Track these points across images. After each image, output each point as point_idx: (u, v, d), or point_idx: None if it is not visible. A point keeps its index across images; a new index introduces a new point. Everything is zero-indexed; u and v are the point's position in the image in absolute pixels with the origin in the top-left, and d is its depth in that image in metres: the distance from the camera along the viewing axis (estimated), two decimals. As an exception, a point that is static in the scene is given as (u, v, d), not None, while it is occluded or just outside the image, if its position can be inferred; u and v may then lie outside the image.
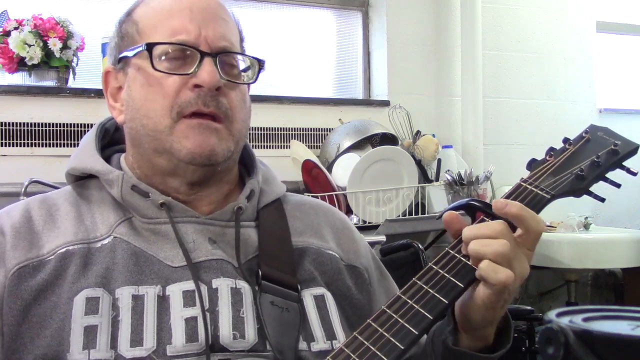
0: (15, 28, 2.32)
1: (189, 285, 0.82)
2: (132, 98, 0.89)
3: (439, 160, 2.80)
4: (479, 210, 0.80)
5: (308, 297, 0.88)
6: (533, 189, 0.82)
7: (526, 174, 0.86)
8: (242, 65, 0.92)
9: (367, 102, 3.09)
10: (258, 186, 0.96)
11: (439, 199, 2.71)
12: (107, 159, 0.94)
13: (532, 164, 0.87)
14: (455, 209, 0.81)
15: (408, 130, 2.87)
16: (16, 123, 2.37)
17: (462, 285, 0.74)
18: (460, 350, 0.80)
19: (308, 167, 2.48)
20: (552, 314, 0.52)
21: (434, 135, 2.91)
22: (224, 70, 0.88)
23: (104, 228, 0.87)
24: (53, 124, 2.41)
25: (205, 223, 0.89)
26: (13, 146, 2.36)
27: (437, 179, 2.78)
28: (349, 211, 2.44)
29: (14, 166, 2.34)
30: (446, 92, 3.20)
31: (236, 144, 0.90)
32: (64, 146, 2.42)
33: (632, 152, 0.87)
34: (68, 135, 2.43)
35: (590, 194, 0.85)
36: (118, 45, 0.93)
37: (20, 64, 2.33)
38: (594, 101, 3.56)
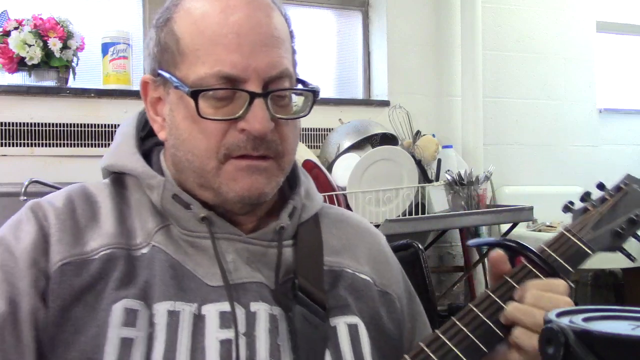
0: (15, 28, 2.33)
1: (226, 306, 0.79)
2: (176, 126, 0.83)
3: (439, 160, 2.80)
4: (524, 257, 0.80)
5: (342, 325, 0.85)
6: (576, 241, 0.84)
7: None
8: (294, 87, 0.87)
9: (367, 102, 3.09)
10: (300, 202, 0.92)
11: (439, 199, 2.70)
12: (147, 154, 0.89)
13: (573, 211, 0.89)
14: (498, 245, 0.81)
15: (408, 130, 2.87)
16: (16, 123, 2.37)
17: (502, 335, 0.76)
18: None
19: (308, 167, 2.48)
20: (552, 314, 0.52)
21: (434, 135, 2.91)
22: (275, 105, 0.81)
23: (143, 235, 0.83)
24: (53, 124, 2.42)
25: (246, 242, 0.85)
26: (13, 146, 2.37)
27: (437, 179, 2.77)
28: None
29: (14, 166, 2.34)
30: (446, 92, 3.20)
31: (285, 175, 0.86)
32: (64, 146, 2.43)
33: None
34: (68, 135, 2.43)
35: (623, 250, 0.88)
36: (157, 58, 0.85)
37: (20, 64, 2.34)
38: (594, 101, 3.56)
